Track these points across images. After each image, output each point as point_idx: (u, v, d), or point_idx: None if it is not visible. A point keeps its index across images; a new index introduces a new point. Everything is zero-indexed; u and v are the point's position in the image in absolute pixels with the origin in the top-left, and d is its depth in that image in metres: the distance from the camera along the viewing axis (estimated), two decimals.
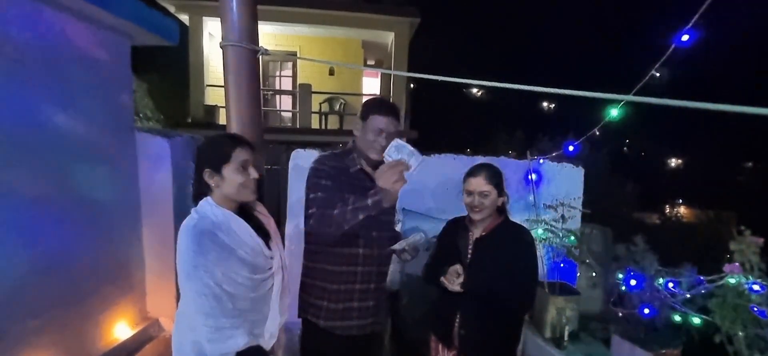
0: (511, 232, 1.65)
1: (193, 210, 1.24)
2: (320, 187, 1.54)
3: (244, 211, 1.32)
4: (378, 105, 1.60)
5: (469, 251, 1.64)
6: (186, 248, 1.15)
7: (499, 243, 1.61)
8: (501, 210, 1.68)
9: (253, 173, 1.27)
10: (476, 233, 1.65)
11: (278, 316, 1.34)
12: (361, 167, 1.60)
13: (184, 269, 1.14)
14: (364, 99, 9.64)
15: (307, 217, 1.55)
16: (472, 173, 1.63)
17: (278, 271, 1.35)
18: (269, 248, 1.33)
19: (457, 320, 1.60)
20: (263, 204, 1.47)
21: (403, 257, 1.63)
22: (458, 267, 1.56)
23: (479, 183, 1.59)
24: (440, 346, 1.72)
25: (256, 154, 1.33)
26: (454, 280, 1.54)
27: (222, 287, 1.15)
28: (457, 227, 1.74)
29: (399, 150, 1.34)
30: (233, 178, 1.23)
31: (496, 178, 1.61)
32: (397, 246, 1.59)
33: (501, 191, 1.62)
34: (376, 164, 1.54)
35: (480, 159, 3.36)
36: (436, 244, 1.84)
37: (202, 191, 1.25)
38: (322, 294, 1.59)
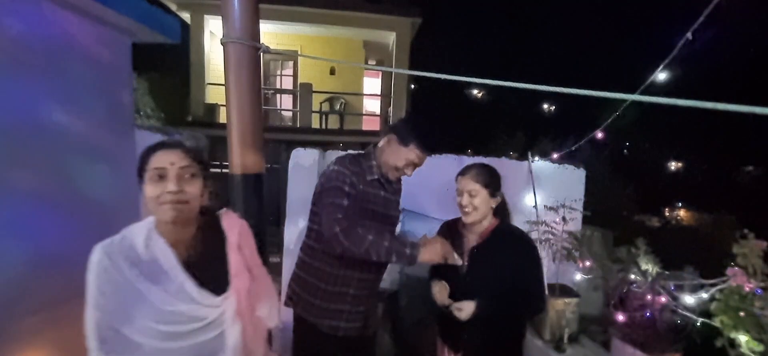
0: (508, 237, 1.57)
1: (125, 228, 1.05)
2: (345, 194, 1.48)
3: (208, 232, 1.06)
4: (423, 138, 1.53)
5: (465, 260, 1.57)
6: (88, 275, 1.00)
7: (496, 251, 1.53)
8: (498, 212, 1.61)
9: (171, 186, 0.96)
10: (472, 240, 1.59)
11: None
12: (378, 178, 1.60)
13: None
14: (363, 99, 9.64)
15: (328, 218, 1.44)
16: (461, 172, 1.60)
17: (231, 324, 1.00)
18: (220, 290, 1.01)
19: (463, 326, 1.54)
20: (262, 209, 1.39)
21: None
22: (439, 287, 1.53)
23: (467, 182, 1.53)
24: (446, 349, 1.69)
25: (197, 161, 1.03)
26: (442, 298, 1.51)
27: (116, 330, 0.94)
28: (451, 232, 1.66)
29: None
30: (146, 191, 0.98)
31: (486, 177, 1.53)
32: None
33: (494, 192, 1.54)
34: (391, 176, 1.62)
35: (481, 160, 3.36)
36: None
37: None
38: (316, 292, 1.59)
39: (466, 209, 1.53)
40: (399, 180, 1.76)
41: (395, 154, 1.53)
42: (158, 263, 0.97)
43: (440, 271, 1.63)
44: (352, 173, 1.53)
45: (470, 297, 1.47)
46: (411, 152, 1.52)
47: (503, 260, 1.51)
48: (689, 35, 1.55)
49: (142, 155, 1.02)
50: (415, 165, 1.54)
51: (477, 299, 1.46)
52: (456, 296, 1.50)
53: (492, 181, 1.54)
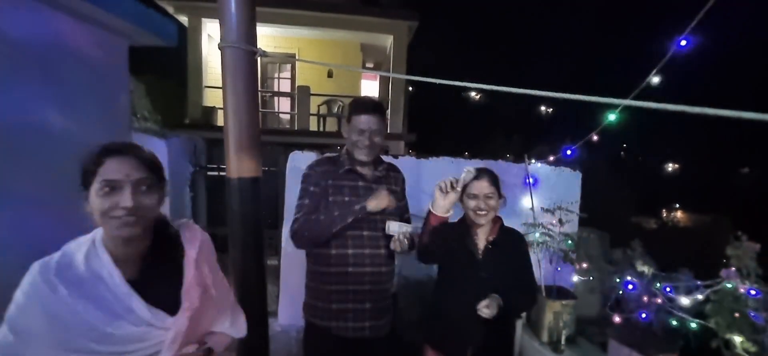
0: (511, 236, 1.70)
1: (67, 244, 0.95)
2: (308, 194, 1.60)
3: (169, 255, 0.96)
4: (359, 105, 1.63)
5: (480, 254, 1.64)
6: (16, 293, 0.89)
7: (506, 247, 1.64)
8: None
9: (126, 200, 0.86)
10: (482, 236, 1.66)
11: None
12: (349, 168, 1.62)
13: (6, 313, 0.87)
14: None
15: (292, 222, 1.59)
16: (475, 177, 1.63)
17: (168, 346, 0.90)
18: (173, 313, 0.91)
19: (467, 328, 1.59)
20: (259, 212, 1.41)
21: (394, 245, 1.59)
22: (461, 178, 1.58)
23: (484, 186, 1.60)
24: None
25: (153, 171, 0.94)
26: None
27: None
28: (460, 231, 1.70)
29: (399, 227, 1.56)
30: (93, 203, 0.88)
31: (497, 181, 1.65)
32: (390, 230, 1.57)
33: (500, 194, 1.65)
34: (365, 164, 1.64)
35: (478, 162, 3.37)
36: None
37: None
38: (318, 294, 1.61)
39: (483, 212, 1.60)
40: (388, 170, 1.74)
41: (349, 133, 1.62)
42: (102, 280, 0.88)
43: (453, 268, 1.67)
44: (319, 172, 1.61)
45: (487, 291, 1.52)
46: (355, 121, 1.59)
47: (510, 256, 1.63)
48: (682, 41, 1.57)
49: (87, 159, 0.92)
50: (364, 131, 1.57)
51: (495, 294, 1.52)
52: (471, 292, 1.55)
53: (499, 185, 1.66)
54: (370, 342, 1.63)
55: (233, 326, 1.08)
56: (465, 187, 1.61)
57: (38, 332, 0.85)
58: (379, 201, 1.53)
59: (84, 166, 0.91)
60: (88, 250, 0.90)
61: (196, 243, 1.00)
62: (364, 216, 1.54)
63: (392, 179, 1.75)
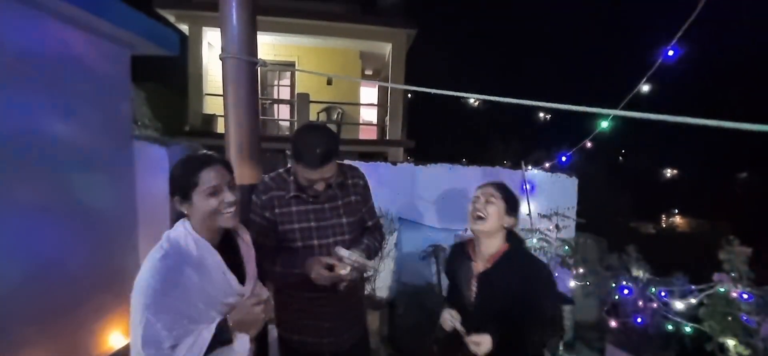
0: (517, 261, 1.41)
1: (164, 236, 1.12)
2: (256, 225, 1.47)
3: (226, 238, 1.22)
4: (302, 154, 1.36)
5: (473, 288, 1.45)
6: (145, 283, 1.02)
7: (506, 276, 1.39)
8: (510, 236, 1.47)
9: (228, 197, 1.13)
10: (480, 265, 1.45)
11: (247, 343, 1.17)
12: (296, 194, 1.47)
13: (137, 305, 1.02)
14: (360, 108, 9.72)
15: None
16: (481, 185, 1.50)
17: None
18: (243, 283, 1.21)
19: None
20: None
21: (342, 270, 1.37)
22: (449, 315, 1.40)
23: (487, 188, 1.45)
24: None
25: (231, 172, 1.19)
26: (446, 323, 1.39)
27: (172, 333, 1.03)
28: (460, 256, 1.54)
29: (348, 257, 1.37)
30: (203, 205, 1.10)
31: (507, 192, 1.45)
32: (341, 252, 1.38)
33: (510, 210, 1.43)
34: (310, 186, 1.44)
35: (476, 169, 3.41)
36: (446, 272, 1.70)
37: (180, 215, 1.15)
38: (282, 306, 1.57)
39: (479, 213, 1.41)
40: (344, 179, 1.55)
41: (298, 171, 1.42)
42: (211, 267, 1.12)
43: (452, 298, 1.54)
44: (265, 200, 1.47)
45: (477, 325, 1.35)
46: (302, 170, 1.38)
47: (514, 287, 1.37)
48: (669, 51, 1.61)
49: (183, 171, 1.12)
50: (311, 180, 1.37)
51: (488, 328, 1.34)
52: (466, 320, 1.39)
53: (511, 199, 1.45)
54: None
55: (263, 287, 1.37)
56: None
57: (176, 308, 1.04)
58: (320, 280, 1.36)
59: (181, 179, 1.12)
60: (189, 239, 1.11)
61: (250, 244, 1.30)
62: (310, 237, 1.46)
63: (349, 189, 1.56)
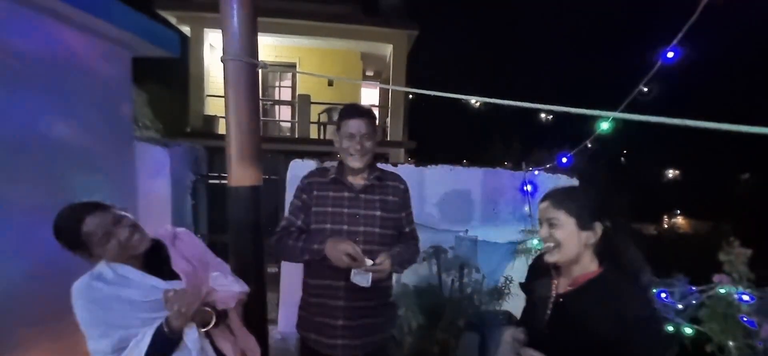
0: (609, 292, 1.07)
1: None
2: (292, 206, 1.60)
3: (154, 248, 1.28)
4: (348, 110, 1.58)
5: (548, 310, 1.17)
6: (75, 308, 1.18)
7: (589, 307, 1.08)
8: (602, 255, 1.14)
9: (123, 231, 1.20)
10: (561, 284, 1.18)
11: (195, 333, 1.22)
12: (335, 177, 1.57)
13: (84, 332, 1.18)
14: None
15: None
16: (543, 197, 1.21)
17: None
18: (171, 278, 1.26)
19: None
20: (260, 220, 1.49)
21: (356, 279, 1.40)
22: (512, 333, 1.17)
23: (547, 209, 1.16)
24: None
25: (108, 206, 1.28)
26: (513, 343, 1.15)
27: (109, 342, 1.16)
28: (540, 270, 1.26)
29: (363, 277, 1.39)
30: (106, 251, 1.20)
31: (573, 203, 1.13)
32: (353, 279, 1.40)
33: (585, 223, 1.11)
34: (357, 172, 1.56)
35: (477, 170, 3.40)
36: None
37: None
38: (303, 304, 1.62)
39: (548, 244, 1.16)
40: (383, 178, 1.61)
41: (339, 140, 1.58)
42: (127, 274, 1.21)
43: (524, 318, 1.30)
44: (305, 184, 1.60)
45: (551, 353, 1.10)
46: (344, 127, 1.55)
47: (598, 322, 1.05)
48: (669, 52, 1.61)
49: (67, 235, 1.23)
50: (353, 136, 1.51)
51: None
52: (538, 347, 1.13)
53: (583, 209, 1.12)
54: None
55: (236, 282, 1.35)
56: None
57: (102, 319, 1.17)
58: (336, 254, 1.38)
59: (72, 243, 1.23)
60: (110, 267, 1.22)
61: (168, 237, 1.36)
62: (348, 230, 1.50)
63: (388, 189, 1.60)
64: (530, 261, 1.40)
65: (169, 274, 1.26)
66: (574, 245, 1.11)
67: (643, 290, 1.14)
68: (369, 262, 1.38)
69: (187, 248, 1.35)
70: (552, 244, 1.14)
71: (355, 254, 1.36)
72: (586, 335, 1.06)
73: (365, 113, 1.55)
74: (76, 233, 1.19)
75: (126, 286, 1.19)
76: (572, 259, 1.13)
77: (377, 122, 1.59)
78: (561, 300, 1.16)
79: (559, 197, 1.16)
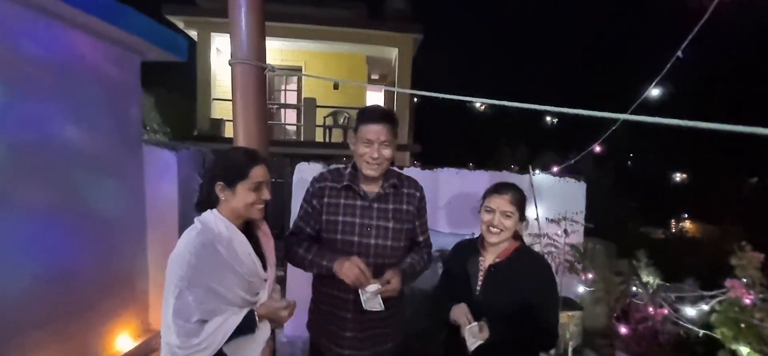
0: (528, 261, 1.47)
1: (196, 219, 1.20)
2: (301, 211, 1.55)
3: (247, 228, 1.30)
4: (368, 113, 1.46)
5: (480, 279, 1.47)
6: (181, 257, 1.12)
7: (515, 273, 1.43)
8: (516, 235, 1.51)
9: (266, 195, 1.25)
10: (489, 258, 1.48)
11: (268, 331, 1.28)
12: (348, 184, 1.48)
13: (172, 277, 1.12)
14: None
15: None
16: (496, 190, 1.47)
17: (265, 292, 1.33)
18: (265, 269, 1.31)
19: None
20: (267, 222, 1.43)
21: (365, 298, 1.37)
22: (477, 327, 1.32)
23: (503, 202, 1.43)
24: None
25: (269, 175, 1.31)
26: (472, 339, 1.31)
27: (201, 307, 1.12)
28: (468, 251, 1.56)
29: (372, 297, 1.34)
30: (245, 196, 1.21)
31: (521, 201, 1.47)
32: (363, 300, 1.36)
33: (523, 216, 1.47)
34: (370, 180, 1.47)
35: (483, 173, 3.39)
36: (444, 269, 1.70)
37: (209, 201, 1.22)
38: (313, 307, 1.61)
39: (496, 229, 1.43)
40: (398, 186, 1.54)
41: (355, 145, 1.47)
42: (238, 248, 1.21)
43: (454, 291, 1.51)
44: (316, 189, 1.52)
45: (481, 318, 1.35)
46: (361, 131, 1.43)
47: (521, 284, 1.41)
48: (679, 53, 1.59)
49: (238, 162, 1.22)
50: (372, 142, 1.41)
51: (488, 321, 1.33)
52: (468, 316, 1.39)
53: (524, 206, 1.48)
54: None
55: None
56: (483, 199, 1.49)
57: (207, 284, 1.13)
58: (346, 272, 1.33)
59: (232, 169, 1.23)
60: (219, 222, 1.19)
61: (269, 236, 1.41)
62: (358, 242, 1.46)
63: (402, 197, 1.54)
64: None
65: (260, 255, 1.30)
66: (513, 230, 1.45)
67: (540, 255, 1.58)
68: (377, 286, 1.33)
69: (271, 243, 1.41)
70: (500, 229, 1.42)
71: (364, 279, 1.33)
72: (512, 293, 1.39)
73: (386, 117, 1.44)
74: (245, 169, 1.20)
75: (239, 263, 1.20)
76: (506, 239, 1.46)
77: (398, 126, 1.48)
78: (493, 269, 1.45)
79: (514, 196, 1.45)
